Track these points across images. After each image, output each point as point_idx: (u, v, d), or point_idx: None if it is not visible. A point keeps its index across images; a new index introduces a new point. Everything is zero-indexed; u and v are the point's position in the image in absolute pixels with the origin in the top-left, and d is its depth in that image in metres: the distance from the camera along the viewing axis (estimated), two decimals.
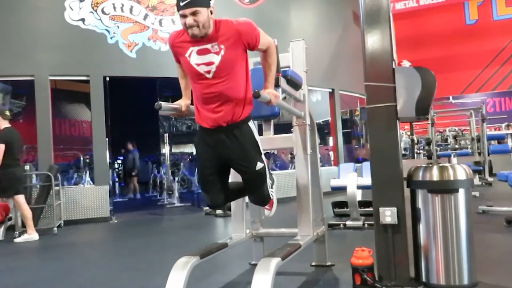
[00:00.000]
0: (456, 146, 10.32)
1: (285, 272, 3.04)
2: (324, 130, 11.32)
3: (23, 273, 3.82)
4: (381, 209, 2.60)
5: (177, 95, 2.61)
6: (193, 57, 2.27)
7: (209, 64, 2.25)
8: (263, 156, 2.44)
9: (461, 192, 2.52)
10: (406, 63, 3.02)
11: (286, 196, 6.41)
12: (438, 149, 9.56)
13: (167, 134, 11.23)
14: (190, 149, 16.39)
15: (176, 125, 16.80)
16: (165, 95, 11.64)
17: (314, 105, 10.38)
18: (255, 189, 2.47)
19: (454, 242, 2.50)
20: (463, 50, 16.15)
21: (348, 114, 12.22)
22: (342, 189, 5.06)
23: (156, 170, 12.28)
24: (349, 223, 4.90)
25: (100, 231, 6.31)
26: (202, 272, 3.12)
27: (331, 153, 10.69)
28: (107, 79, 7.21)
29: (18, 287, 3.35)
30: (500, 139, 10.90)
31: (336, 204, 5.58)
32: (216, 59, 2.23)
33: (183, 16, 2.15)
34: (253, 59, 2.96)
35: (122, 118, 11.21)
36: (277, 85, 2.44)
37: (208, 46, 2.23)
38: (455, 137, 10.81)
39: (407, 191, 2.66)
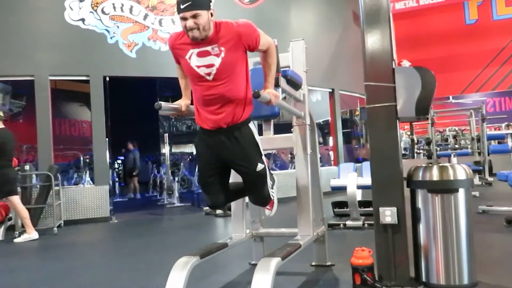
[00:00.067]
0: (456, 146, 10.32)
1: (285, 272, 3.04)
2: (324, 130, 11.32)
3: (23, 273, 3.82)
4: (381, 209, 2.60)
5: (177, 95, 2.61)
6: (194, 59, 2.27)
7: (209, 66, 2.25)
8: (263, 157, 2.44)
9: (461, 192, 2.52)
10: (406, 63, 3.02)
11: (286, 196, 6.42)
12: (438, 149, 9.55)
13: (167, 134, 11.23)
14: (190, 149, 16.39)
15: (176, 125, 16.81)
16: (165, 95, 11.64)
17: (314, 105, 10.38)
18: (256, 190, 2.48)
19: (454, 242, 2.50)
20: (463, 50, 16.15)
21: (348, 114, 12.22)
22: (342, 189, 5.06)
23: (156, 170, 12.28)
24: (349, 223, 4.90)
25: (100, 231, 6.31)
26: (202, 272, 3.12)
27: (331, 153, 10.69)
28: (107, 79, 7.21)
29: (18, 287, 3.35)
30: (500, 139, 10.90)
31: (336, 204, 5.58)
32: (217, 61, 2.24)
33: (184, 18, 2.16)
34: (253, 59, 2.96)
35: (122, 118, 11.21)
36: (277, 85, 2.44)
37: (209, 48, 2.24)
38: (454, 137, 10.81)
39: (407, 191, 2.66)
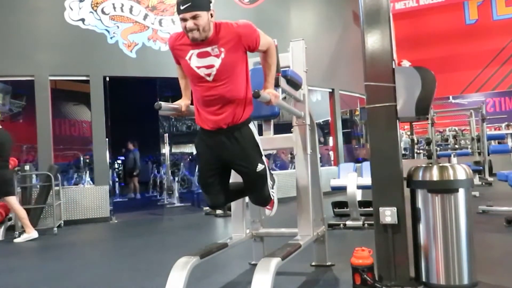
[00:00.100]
0: (456, 146, 10.31)
1: (285, 272, 3.04)
2: (324, 130, 11.32)
3: (23, 273, 3.82)
4: (381, 209, 2.60)
5: (177, 95, 2.61)
6: (194, 60, 2.27)
7: (209, 67, 2.25)
8: (263, 157, 2.44)
9: (461, 192, 2.52)
10: (406, 63, 3.02)
11: (286, 196, 6.41)
12: (438, 149, 9.55)
13: (167, 134, 11.23)
14: (190, 149, 16.39)
15: (176, 125, 16.81)
16: (165, 95, 11.64)
17: (314, 105, 10.38)
18: (256, 190, 2.48)
19: (454, 242, 2.50)
20: (463, 50, 16.16)
21: (348, 114, 12.22)
22: (342, 189, 5.06)
23: (156, 170, 12.28)
24: (349, 223, 4.90)
25: (100, 231, 6.31)
26: (202, 272, 3.12)
27: (331, 153, 10.69)
28: (107, 79, 7.21)
29: (18, 287, 3.35)
30: (500, 139, 10.90)
31: (336, 204, 5.58)
32: (217, 62, 2.24)
33: (183, 19, 2.15)
34: (253, 59, 2.96)
35: (122, 118, 11.21)
36: (277, 85, 2.44)
37: (208, 49, 2.24)
38: (454, 137, 10.81)
39: (407, 191, 2.66)
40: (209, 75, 2.26)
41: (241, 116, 2.34)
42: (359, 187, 4.98)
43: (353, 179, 4.94)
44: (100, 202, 6.93)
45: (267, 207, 2.63)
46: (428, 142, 7.94)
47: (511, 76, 16.06)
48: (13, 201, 5.45)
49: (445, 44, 16.23)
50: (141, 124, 13.67)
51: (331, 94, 10.00)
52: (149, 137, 14.47)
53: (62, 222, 6.44)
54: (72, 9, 7.09)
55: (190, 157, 15.30)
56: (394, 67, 2.68)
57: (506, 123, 12.10)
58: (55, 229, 5.90)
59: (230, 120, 2.32)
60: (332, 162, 10.32)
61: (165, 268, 2.42)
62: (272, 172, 2.75)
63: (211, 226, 5.99)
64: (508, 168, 6.82)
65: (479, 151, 9.19)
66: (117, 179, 12.61)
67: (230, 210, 3.29)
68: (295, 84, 2.82)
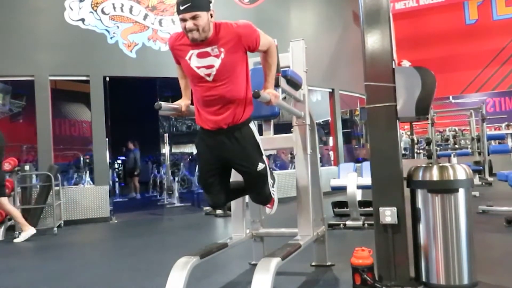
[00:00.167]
0: (456, 146, 10.31)
1: (285, 272, 3.04)
2: (324, 130, 11.32)
3: (23, 273, 3.82)
4: (381, 209, 2.60)
5: (177, 95, 2.61)
6: (193, 60, 2.27)
7: (209, 67, 2.25)
8: (264, 157, 2.44)
9: (461, 192, 2.52)
10: (406, 63, 3.02)
11: (286, 196, 6.41)
12: (438, 149, 9.56)
13: (167, 134, 11.23)
14: (190, 149, 16.39)
15: (176, 125, 16.81)
16: (165, 95, 11.65)
17: (314, 105, 10.38)
18: (257, 189, 2.48)
19: (454, 242, 2.50)
20: (463, 50, 16.16)
21: (348, 114, 12.22)
22: (342, 189, 5.06)
23: (156, 170, 12.28)
24: (349, 223, 4.90)
25: (100, 231, 6.31)
26: (202, 272, 3.12)
27: (331, 153, 10.69)
28: (107, 79, 7.21)
29: (18, 287, 3.35)
30: (500, 139, 10.90)
31: (336, 204, 5.58)
32: (216, 62, 2.24)
33: (183, 20, 2.15)
34: (253, 59, 2.96)
35: (122, 118, 11.21)
36: (277, 85, 2.44)
37: (208, 49, 2.24)
38: (454, 137, 10.81)
39: (407, 191, 2.66)
40: (209, 75, 2.26)
41: (241, 116, 2.34)
42: (359, 187, 4.98)
43: (353, 179, 4.94)
44: (100, 202, 6.93)
45: (268, 205, 2.64)
46: (428, 142, 7.94)
47: (511, 76, 16.06)
48: (4, 201, 5.43)
49: (445, 44, 16.23)
50: (141, 124, 13.67)
51: (331, 94, 10.00)
52: (149, 137, 14.47)
53: (62, 222, 6.43)
54: (72, 9, 7.09)
55: (190, 157, 15.31)
56: (394, 67, 2.68)
57: (506, 123, 12.10)
58: (55, 229, 5.90)
59: (231, 120, 2.32)
60: (332, 162, 10.32)
61: (165, 268, 2.42)
62: (272, 171, 2.75)
63: (211, 226, 5.99)
64: (508, 168, 6.82)
65: (479, 151, 9.19)
66: (117, 179, 12.61)
67: (230, 210, 3.29)
68: (295, 84, 2.82)
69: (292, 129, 3.06)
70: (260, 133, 2.82)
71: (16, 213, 5.49)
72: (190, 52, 2.28)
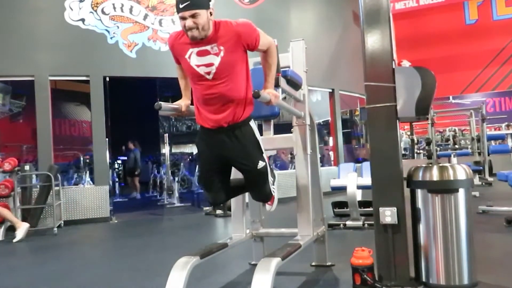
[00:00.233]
0: (456, 146, 10.31)
1: (285, 272, 3.04)
2: (324, 130, 11.32)
3: (23, 273, 3.82)
4: (381, 209, 2.60)
5: (177, 95, 2.61)
6: (193, 59, 2.28)
7: (209, 65, 2.25)
8: (264, 155, 2.45)
9: (461, 192, 2.52)
10: (406, 63, 3.02)
11: (286, 196, 6.41)
12: (438, 149, 9.55)
13: (167, 134, 11.23)
14: (190, 149, 16.40)
15: (176, 125, 16.81)
16: (165, 95, 11.64)
17: (314, 105, 10.38)
18: (258, 187, 2.49)
19: (454, 242, 2.50)
20: (463, 50, 16.16)
21: (348, 114, 12.22)
22: (342, 189, 5.06)
23: (156, 170, 12.28)
24: (349, 223, 4.90)
25: (100, 231, 6.31)
26: (202, 272, 3.12)
27: (331, 153, 10.69)
28: (107, 79, 7.21)
29: (18, 287, 3.35)
30: (500, 139, 10.90)
31: (336, 204, 5.58)
32: (216, 61, 2.24)
33: (183, 18, 2.16)
34: (253, 59, 2.96)
35: (122, 118, 11.21)
36: (277, 85, 2.44)
37: (208, 47, 2.24)
38: (453, 137, 10.81)
39: (407, 191, 2.66)
40: (208, 73, 2.26)
41: (241, 115, 2.35)
42: (359, 187, 4.98)
43: (353, 179, 4.94)
44: (100, 202, 6.93)
45: (268, 202, 2.64)
46: (428, 142, 7.94)
47: (511, 76, 16.06)
48: None
49: (445, 44, 16.23)
50: (141, 124, 13.67)
51: (331, 94, 10.00)
52: (149, 137, 14.46)
53: (62, 222, 6.43)
54: (72, 9, 7.09)
55: (190, 157, 15.31)
56: (394, 67, 2.68)
57: (506, 123, 12.10)
58: (55, 229, 5.90)
59: (231, 119, 2.33)
60: (332, 162, 10.32)
61: (165, 268, 2.42)
62: (272, 169, 2.75)
63: (211, 226, 5.99)
64: (508, 168, 6.82)
65: (479, 151, 9.19)
66: (117, 179, 12.61)
67: (230, 210, 3.29)
68: (295, 84, 2.82)
69: (292, 129, 3.06)
70: (260, 134, 2.82)
71: (6, 212, 5.48)
72: (190, 51, 2.28)
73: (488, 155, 8.94)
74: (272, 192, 2.55)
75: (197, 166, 10.16)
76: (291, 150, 3.59)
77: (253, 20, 2.31)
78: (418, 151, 10.79)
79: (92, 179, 7.97)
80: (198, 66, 2.27)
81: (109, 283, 3.28)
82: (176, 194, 9.29)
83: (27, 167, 6.24)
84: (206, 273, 3.18)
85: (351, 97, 10.98)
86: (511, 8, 16.21)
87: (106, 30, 7.24)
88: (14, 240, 5.37)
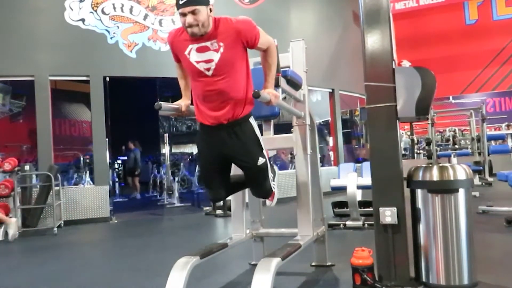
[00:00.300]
0: (456, 146, 10.31)
1: (285, 272, 3.04)
2: (324, 130, 11.32)
3: (23, 273, 3.82)
4: (381, 209, 2.60)
5: (177, 95, 2.61)
6: (193, 55, 2.28)
7: (208, 61, 2.25)
8: (264, 151, 2.45)
9: (461, 192, 2.52)
10: (406, 63, 3.02)
11: (286, 196, 6.41)
12: (438, 149, 9.55)
13: (167, 134, 11.23)
14: (190, 149, 16.39)
15: (176, 125, 16.80)
16: (165, 95, 11.63)
17: (314, 105, 10.38)
18: (258, 184, 2.50)
19: (454, 242, 2.50)
20: (463, 50, 16.15)
21: (348, 114, 12.22)
22: (342, 189, 5.06)
23: (156, 170, 12.28)
24: (349, 223, 4.90)
25: (100, 231, 6.31)
26: (202, 272, 3.12)
27: (331, 153, 10.69)
28: (107, 79, 7.21)
29: (18, 287, 3.35)
30: (500, 139, 10.89)
31: (336, 204, 5.58)
32: (216, 57, 2.24)
33: (183, 14, 2.16)
34: (254, 59, 2.96)
35: (122, 118, 11.20)
36: (277, 85, 2.44)
37: (208, 43, 2.24)
38: (453, 137, 10.81)
39: (407, 191, 2.66)
40: (208, 69, 2.26)
41: (241, 112, 2.35)
42: (359, 187, 4.98)
43: (353, 179, 4.94)
44: (100, 202, 6.93)
45: (268, 198, 2.65)
46: (428, 142, 7.94)
47: (511, 76, 16.06)
48: None
49: (445, 44, 16.22)
50: (141, 124, 13.67)
51: (331, 94, 10.00)
52: (149, 137, 14.45)
53: (62, 222, 6.43)
54: (72, 9, 7.09)
55: (190, 157, 15.30)
56: (394, 67, 2.68)
57: (506, 123, 12.10)
58: (55, 229, 5.90)
59: (230, 116, 2.33)
60: (332, 162, 10.32)
61: (165, 268, 2.42)
62: (273, 165, 2.75)
63: (211, 226, 5.99)
64: (508, 168, 6.82)
65: (479, 151, 9.19)
66: (117, 179, 12.61)
67: (230, 210, 3.29)
68: (295, 84, 2.82)
69: (292, 129, 3.06)
70: (260, 134, 2.82)
71: None
72: (189, 47, 2.28)
73: (488, 155, 8.94)
74: (273, 188, 2.56)
75: (198, 164, 10.16)
76: (291, 150, 3.59)
77: (253, 20, 2.31)
78: (418, 151, 10.79)
79: (92, 179, 7.96)
80: (197, 62, 2.27)
81: (109, 283, 3.28)
82: (176, 194, 9.29)
83: (27, 167, 6.24)
84: (206, 273, 3.19)
85: (351, 97, 10.98)
86: (511, 8, 16.20)
87: (106, 30, 7.24)
88: (9, 239, 5.36)
